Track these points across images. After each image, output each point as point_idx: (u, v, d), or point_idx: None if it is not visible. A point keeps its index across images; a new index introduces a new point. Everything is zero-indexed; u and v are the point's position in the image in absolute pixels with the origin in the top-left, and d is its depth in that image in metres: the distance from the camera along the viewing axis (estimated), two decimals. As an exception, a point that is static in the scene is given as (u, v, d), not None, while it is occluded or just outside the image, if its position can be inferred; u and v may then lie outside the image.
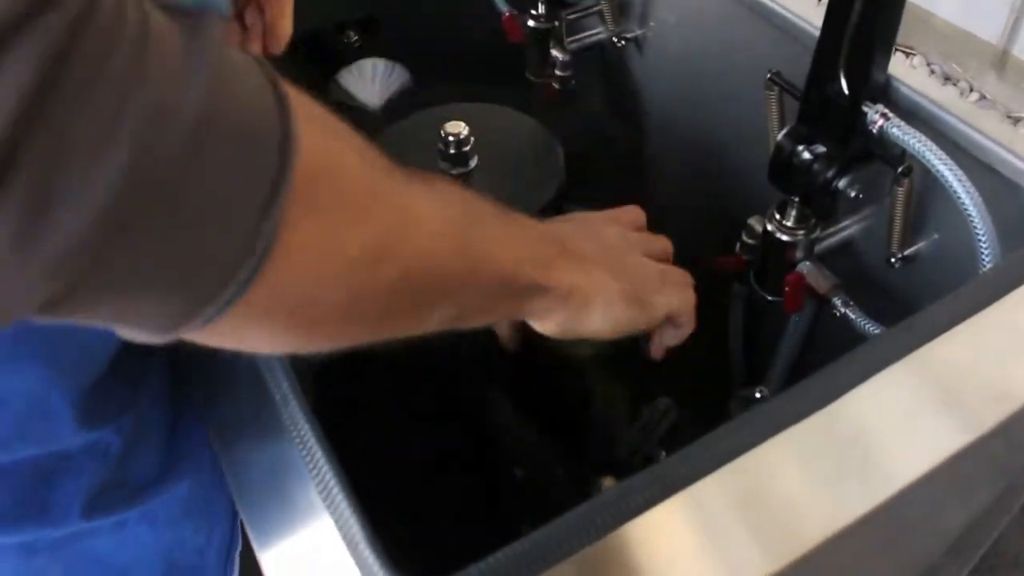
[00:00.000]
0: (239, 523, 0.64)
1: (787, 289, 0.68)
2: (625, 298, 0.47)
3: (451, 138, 0.69)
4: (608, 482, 0.58)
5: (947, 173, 0.55)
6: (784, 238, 0.68)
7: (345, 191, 0.31)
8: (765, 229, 0.69)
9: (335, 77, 0.94)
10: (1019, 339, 0.45)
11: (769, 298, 0.72)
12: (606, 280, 0.47)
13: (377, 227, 0.32)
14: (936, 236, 0.66)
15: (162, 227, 0.24)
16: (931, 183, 0.60)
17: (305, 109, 0.28)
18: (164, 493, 0.55)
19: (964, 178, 0.56)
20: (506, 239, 0.42)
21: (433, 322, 0.38)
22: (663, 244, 0.54)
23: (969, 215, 0.55)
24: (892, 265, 0.66)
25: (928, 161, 0.56)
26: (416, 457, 0.73)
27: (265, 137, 0.26)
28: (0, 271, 0.22)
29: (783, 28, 0.71)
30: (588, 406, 0.63)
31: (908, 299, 0.69)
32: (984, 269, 0.56)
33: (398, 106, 0.82)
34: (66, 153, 0.21)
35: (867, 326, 0.65)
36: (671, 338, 0.54)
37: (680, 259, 0.56)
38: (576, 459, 0.62)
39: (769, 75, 0.66)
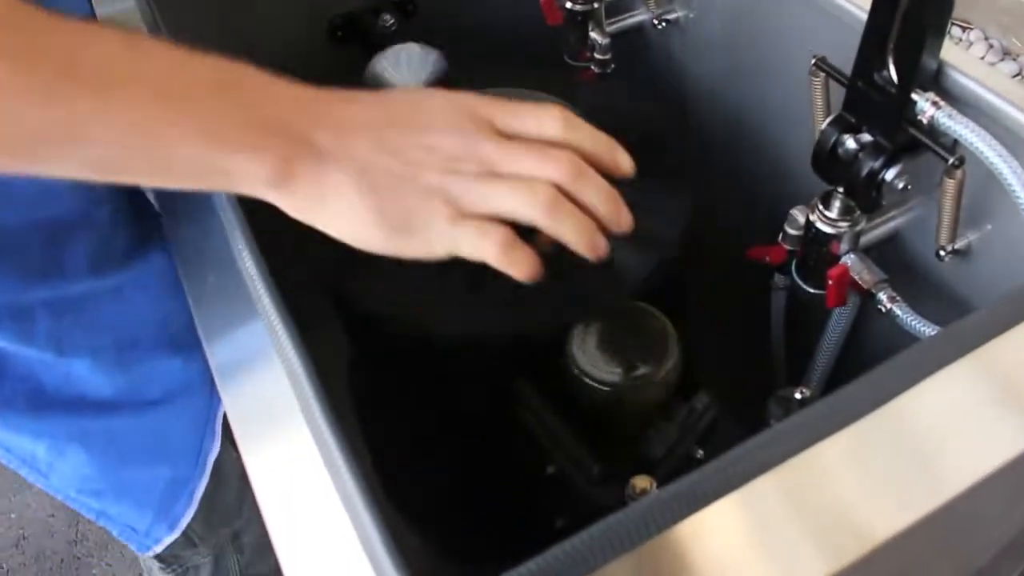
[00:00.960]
0: None
1: (830, 283, 0.66)
2: (381, 212, 0.41)
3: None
4: (641, 481, 0.57)
5: (1001, 165, 0.53)
6: (827, 230, 0.65)
7: None
8: (807, 219, 0.67)
9: (369, 63, 0.93)
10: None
11: (811, 291, 0.70)
12: (363, 176, 0.40)
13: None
14: (989, 227, 0.63)
15: None
16: (984, 173, 0.57)
17: None
18: (146, 261, 0.66)
19: (1020, 169, 0.53)
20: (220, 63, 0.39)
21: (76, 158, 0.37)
22: (561, 157, 0.44)
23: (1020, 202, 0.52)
24: (941, 259, 0.64)
25: (981, 152, 0.53)
26: (443, 452, 0.73)
27: None
28: None
29: (830, 11, 0.68)
30: (623, 403, 0.62)
31: (957, 295, 0.67)
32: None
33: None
34: None
35: (914, 323, 0.63)
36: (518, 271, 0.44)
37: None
38: (609, 456, 0.61)
39: (815, 60, 0.64)
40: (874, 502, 0.38)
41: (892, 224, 0.69)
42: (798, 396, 0.61)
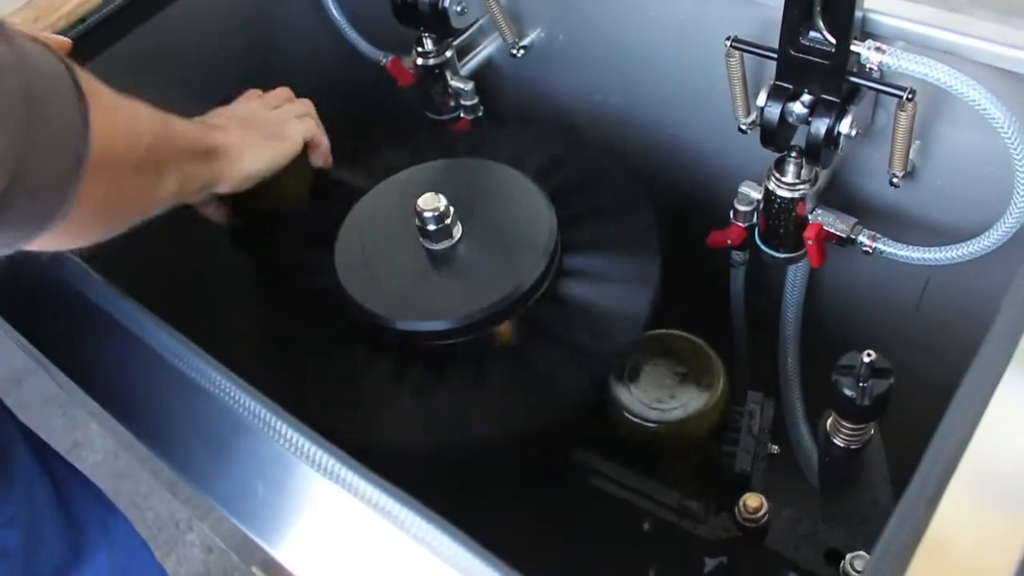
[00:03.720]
0: None
1: (810, 243, 0.67)
2: (264, 138, 0.65)
3: (428, 213, 0.63)
4: (752, 500, 0.56)
5: (961, 86, 0.55)
6: (790, 195, 0.67)
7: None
8: (767, 190, 0.68)
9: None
10: None
11: (782, 256, 0.72)
12: (244, 132, 0.65)
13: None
14: (918, 142, 0.67)
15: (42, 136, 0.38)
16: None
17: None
18: (88, 570, 0.62)
19: (976, 85, 0.56)
20: (181, 124, 0.57)
21: (168, 185, 0.54)
22: (286, 95, 0.73)
23: (991, 116, 0.55)
24: (896, 186, 0.66)
25: (941, 83, 0.56)
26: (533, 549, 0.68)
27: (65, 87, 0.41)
28: None
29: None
30: (691, 445, 0.60)
31: (917, 214, 0.70)
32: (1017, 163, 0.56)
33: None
34: None
35: (901, 252, 0.65)
36: (319, 158, 0.71)
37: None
38: (701, 490, 0.59)
39: (729, 41, 0.64)
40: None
41: (830, 170, 0.71)
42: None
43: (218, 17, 0.92)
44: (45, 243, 0.42)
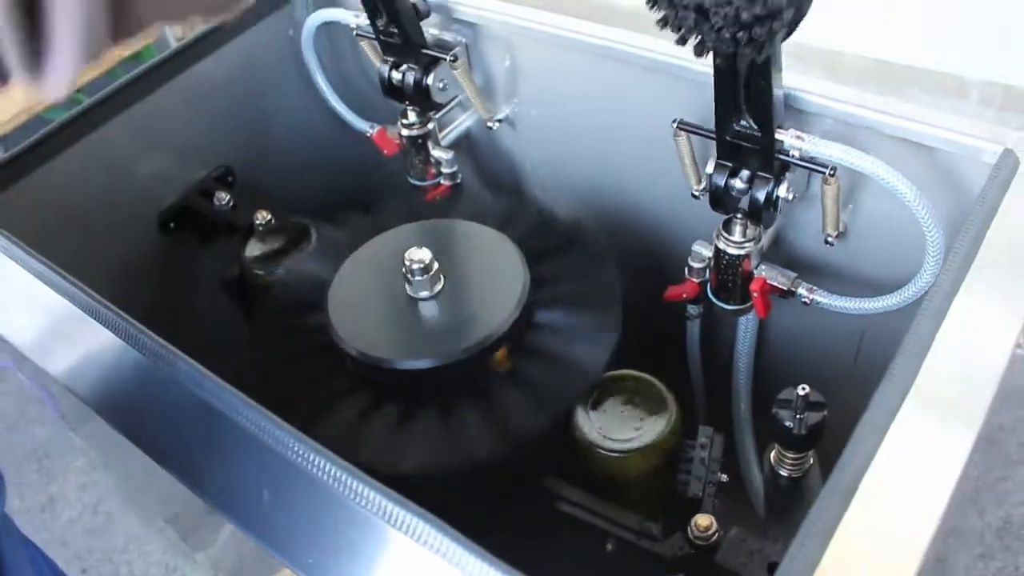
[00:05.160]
0: None
1: (756, 295, 0.75)
2: None
3: (415, 264, 0.71)
4: (702, 519, 0.62)
5: (869, 166, 0.65)
6: (737, 252, 0.75)
7: None
8: (716, 248, 0.76)
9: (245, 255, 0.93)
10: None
11: (731, 308, 0.80)
12: None
13: None
14: (851, 206, 0.76)
15: None
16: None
17: None
18: None
19: (880, 163, 0.65)
20: None
21: None
22: None
23: (899, 192, 0.64)
24: (831, 244, 0.75)
25: (851, 165, 0.65)
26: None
27: None
28: None
29: (655, 70, 0.78)
30: (648, 472, 0.67)
31: (849, 269, 0.78)
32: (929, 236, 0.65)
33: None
34: None
35: (836, 303, 0.73)
36: None
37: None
38: (656, 514, 0.66)
39: (675, 123, 0.73)
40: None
41: (773, 230, 0.79)
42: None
43: (214, 94, 1.00)
44: None
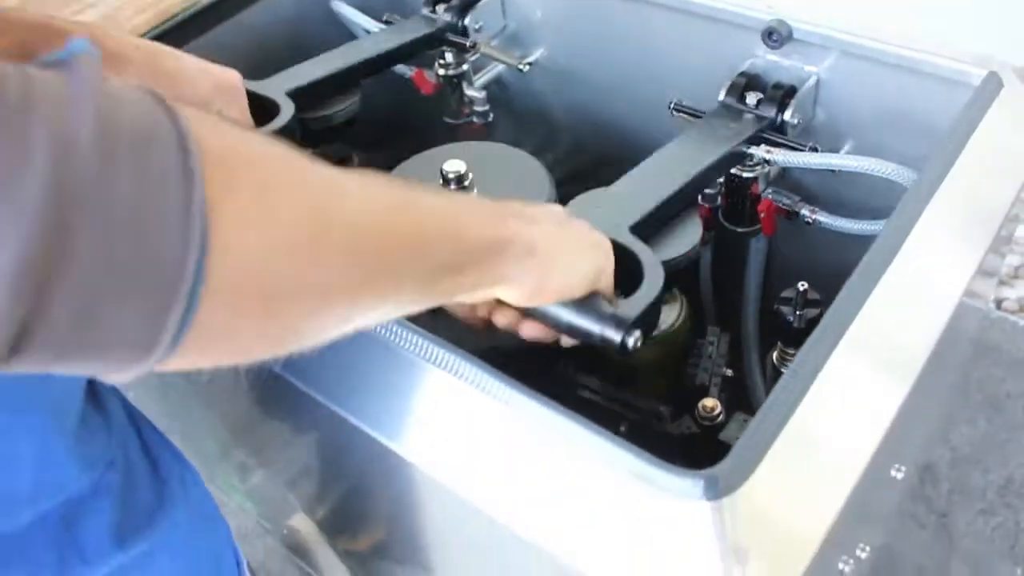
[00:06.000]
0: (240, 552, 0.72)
1: (763, 215, 0.82)
2: (581, 243, 0.52)
3: (451, 175, 0.78)
4: (709, 401, 0.69)
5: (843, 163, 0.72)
6: (748, 175, 0.81)
7: (259, 167, 0.33)
8: (728, 173, 0.82)
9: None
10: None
11: (741, 231, 0.86)
12: (560, 233, 0.50)
13: (304, 192, 0.34)
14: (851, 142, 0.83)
15: (98, 240, 0.26)
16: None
17: (198, 114, 0.31)
18: (168, 520, 0.58)
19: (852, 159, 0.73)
20: (450, 202, 0.47)
21: (405, 289, 0.40)
22: None
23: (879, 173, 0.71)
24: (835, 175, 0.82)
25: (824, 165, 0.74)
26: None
27: (163, 139, 0.29)
28: None
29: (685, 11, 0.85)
30: (663, 364, 0.74)
31: (848, 194, 0.85)
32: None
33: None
34: None
35: (837, 223, 0.80)
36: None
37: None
38: (668, 400, 0.72)
39: (671, 105, 0.81)
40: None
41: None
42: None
43: (251, 45, 1.04)
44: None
